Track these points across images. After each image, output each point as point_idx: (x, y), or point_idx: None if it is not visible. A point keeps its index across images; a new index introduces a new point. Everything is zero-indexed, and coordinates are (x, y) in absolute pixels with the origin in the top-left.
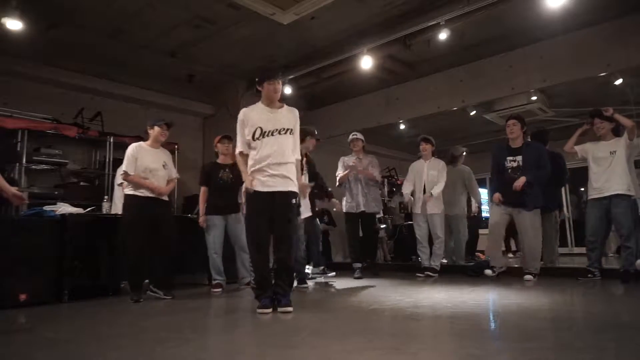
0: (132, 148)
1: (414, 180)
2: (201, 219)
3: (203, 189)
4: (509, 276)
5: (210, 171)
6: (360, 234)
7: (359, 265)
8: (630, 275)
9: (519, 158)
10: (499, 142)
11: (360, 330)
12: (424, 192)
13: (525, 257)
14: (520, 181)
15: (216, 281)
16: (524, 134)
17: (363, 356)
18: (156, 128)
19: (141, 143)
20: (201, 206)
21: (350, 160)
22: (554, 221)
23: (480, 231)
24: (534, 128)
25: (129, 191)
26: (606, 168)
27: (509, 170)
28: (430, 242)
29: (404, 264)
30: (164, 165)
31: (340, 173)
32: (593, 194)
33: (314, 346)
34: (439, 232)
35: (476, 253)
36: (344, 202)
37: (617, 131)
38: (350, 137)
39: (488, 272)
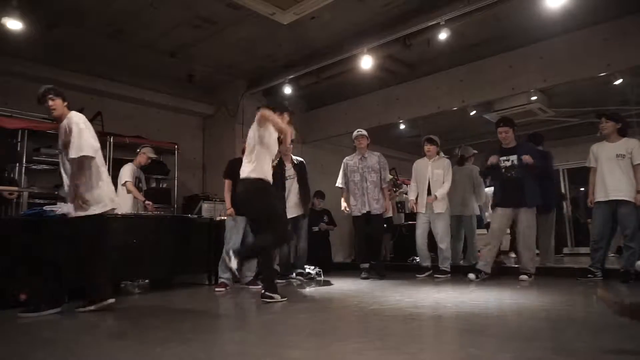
0: None
1: (417, 181)
2: (229, 210)
3: (227, 182)
4: (507, 276)
5: (235, 166)
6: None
7: (365, 266)
8: (630, 275)
9: (513, 157)
10: (492, 148)
11: (360, 330)
12: (429, 191)
13: (520, 256)
14: (527, 157)
15: (221, 280)
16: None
17: (363, 356)
18: (285, 116)
19: None
20: (227, 197)
21: (353, 162)
22: (550, 220)
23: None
24: (535, 128)
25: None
26: (614, 171)
27: (504, 170)
28: (431, 243)
29: (404, 264)
30: None
31: (339, 178)
32: (600, 197)
33: (314, 346)
34: (441, 233)
35: (477, 253)
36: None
37: (623, 131)
38: (355, 133)
39: (471, 276)
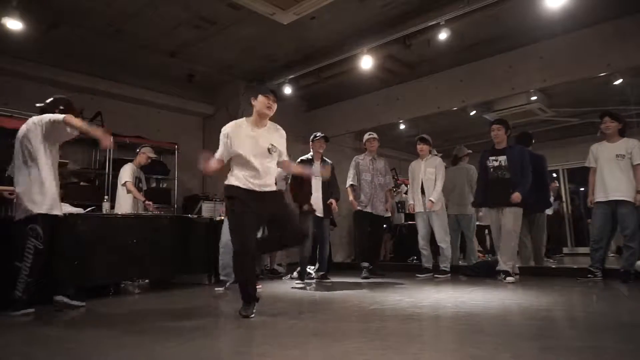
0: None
1: (413, 183)
2: None
3: None
4: None
5: None
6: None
7: (366, 265)
8: (630, 275)
9: (502, 158)
10: (485, 149)
11: (361, 330)
12: (422, 191)
13: (502, 256)
14: (516, 197)
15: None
16: (507, 137)
17: (363, 356)
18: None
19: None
20: None
21: (365, 162)
22: (542, 223)
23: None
24: (535, 128)
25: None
26: (613, 171)
27: (492, 170)
28: (432, 242)
29: (404, 264)
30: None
31: (351, 176)
32: (600, 197)
33: (314, 346)
34: (440, 232)
35: (477, 253)
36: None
37: (622, 132)
38: (367, 136)
39: (510, 279)
